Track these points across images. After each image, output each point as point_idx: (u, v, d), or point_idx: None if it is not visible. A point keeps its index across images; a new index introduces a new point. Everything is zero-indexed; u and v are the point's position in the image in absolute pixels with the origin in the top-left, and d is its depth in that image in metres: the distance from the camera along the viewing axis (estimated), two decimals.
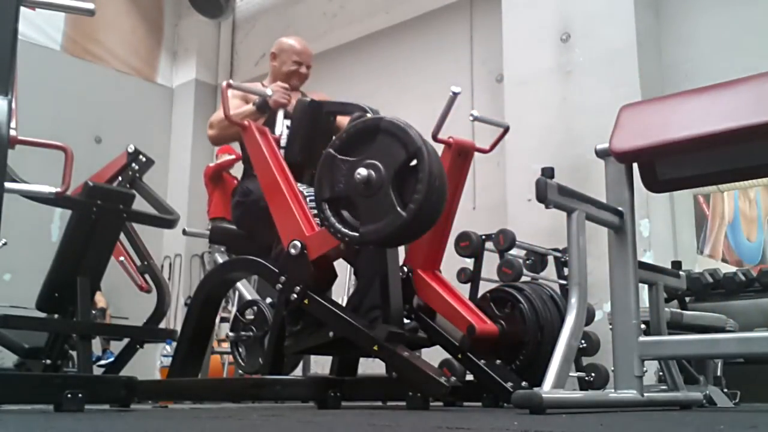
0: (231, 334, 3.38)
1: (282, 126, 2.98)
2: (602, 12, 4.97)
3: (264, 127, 2.90)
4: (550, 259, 4.25)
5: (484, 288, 3.40)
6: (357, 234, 2.32)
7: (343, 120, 3.09)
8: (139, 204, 3.44)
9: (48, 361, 3.22)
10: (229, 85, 2.78)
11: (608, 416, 1.84)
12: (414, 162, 2.26)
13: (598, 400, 2.26)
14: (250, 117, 2.96)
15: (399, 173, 2.26)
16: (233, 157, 5.94)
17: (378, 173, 2.27)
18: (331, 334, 2.55)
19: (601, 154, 2.31)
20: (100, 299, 5.78)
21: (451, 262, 3.39)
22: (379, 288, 2.62)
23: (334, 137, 2.49)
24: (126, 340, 3.48)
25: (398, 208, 2.23)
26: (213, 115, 3.30)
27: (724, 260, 5.45)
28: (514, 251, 3.95)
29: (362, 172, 2.28)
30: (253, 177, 3.08)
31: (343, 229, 2.35)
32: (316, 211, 2.54)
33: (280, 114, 2.99)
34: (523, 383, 2.63)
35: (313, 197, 2.59)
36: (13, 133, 1.84)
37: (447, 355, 2.97)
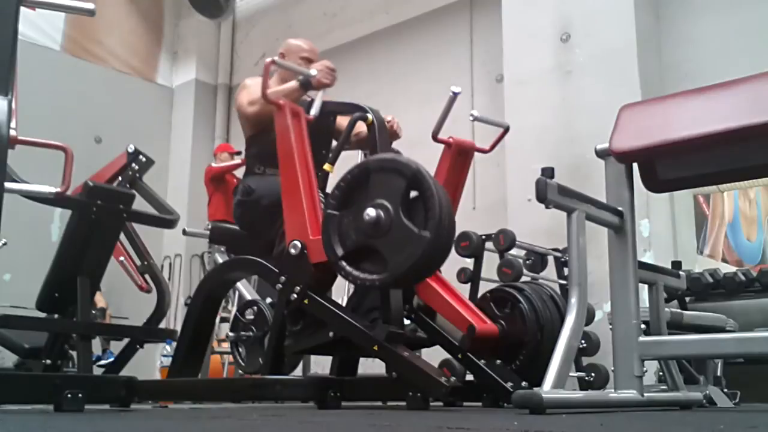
0: (231, 334, 3.39)
1: (318, 108, 2.83)
2: (602, 12, 4.98)
3: (299, 109, 2.74)
4: (550, 259, 4.25)
5: (484, 288, 3.40)
6: (386, 273, 2.24)
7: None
8: (139, 204, 3.44)
9: (48, 361, 3.22)
10: (273, 62, 2.67)
11: (608, 416, 1.84)
12: (414, 190, 2.22)
13: (598, 400, 2.26)
14: (291, 95, 2.82)
15: (404, 204, 2.22)
16: (237, 161, 5.94)
17: (385, 209, 2.23)
18: (331, 334, 2.55)
19: (601, 154, 2.31)
20: (100, 299, 5.78)
21: (451, 262, 3.38)
22: None
23: (328, 196, 2.41)
24: (126, 340, 3.47)
25: (418, 231, 2.18)
26: (247, 92, 3.08)
27: (724, 260, 5.46)
28: (514, 251, 3.95)
29: (370, 213, 2.23)
30: (256, 175, 3.07)
31: (371, 276, 2.27)
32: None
33: (320, 95, 2.85)
34: (523, 383, 2.63)
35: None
36: (13, 133, 1.84)
37: (447, 355, 2.97)
